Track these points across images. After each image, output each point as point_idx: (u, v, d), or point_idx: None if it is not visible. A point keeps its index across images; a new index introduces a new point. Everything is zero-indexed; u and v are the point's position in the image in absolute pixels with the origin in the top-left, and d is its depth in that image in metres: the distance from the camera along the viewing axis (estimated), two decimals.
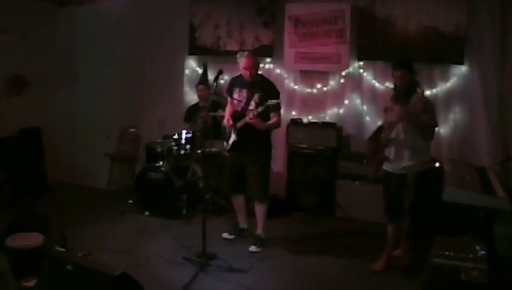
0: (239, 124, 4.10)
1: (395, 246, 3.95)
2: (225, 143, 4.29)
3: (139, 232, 4.59)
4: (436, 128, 3.81)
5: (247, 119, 3.99)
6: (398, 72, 3.68)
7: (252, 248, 4.20)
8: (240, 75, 4.23)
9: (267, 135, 4.23)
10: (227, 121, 4.23)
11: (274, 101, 3.93)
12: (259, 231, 4.32)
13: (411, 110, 3.47)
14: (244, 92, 4.16)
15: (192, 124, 5.32)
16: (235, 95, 4.23)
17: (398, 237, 3.94)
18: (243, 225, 4.52)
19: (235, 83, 4.27)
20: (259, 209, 4.29)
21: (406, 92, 3.62)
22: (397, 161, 3.73)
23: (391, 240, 3.86)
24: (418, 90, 3.50)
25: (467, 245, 2.98)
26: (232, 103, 4.34)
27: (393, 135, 3.71)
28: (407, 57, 4.74)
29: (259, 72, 4.23)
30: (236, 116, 4.16)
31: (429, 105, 3.69)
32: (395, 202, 3.77)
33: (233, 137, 4.16)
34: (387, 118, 3.81)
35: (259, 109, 3.95)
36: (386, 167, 3.82)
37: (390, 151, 3.76)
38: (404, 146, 3.69)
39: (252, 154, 4.14)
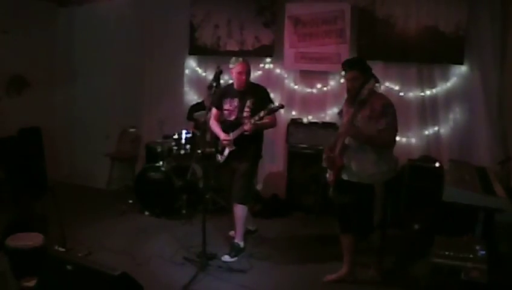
0: (234, 134, 3.99)
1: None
2: (219, 156, 4.18)
3: (139, 232, 4.59)
4: (397, 134, 3.41)
5: (245, 127, 3.87)
6: (349, 74, 3.39)
7: (225, 258, 3.97)
8: (229, 85, 4.21)
9: (259, 143, 4.17)
10: (225, 137, 4.04)
11: (275, 106, 3.87)
12: (237, 239, 4.13)
13: (353, 126, 3.26)
14: (236, 101, 4.04)
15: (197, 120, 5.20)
16: (226, 106, 4.10)
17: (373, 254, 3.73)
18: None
19: (225, 93, 4.14)
20: (238, 211, 4.06)
21: (359, 94, 3.31)
22: (361, 170, 3.35)
23: (350, 252, 3.58)
24: (370, 86, 3.24)
25: (467, 245, 2.98)
26: (217, 116, 4.21)
27: (348, 141, 3.37)
28: (409, 56, 4.78)
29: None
30: (230, 126, 4.07)
31: (389, 108, 3.31)
32: (366, 216, 3.40)
33: (229, 148, 4.06)
34: (342, 123, 3.51)
35: (261, 114, 3.82)
36: (349, 176, 3.41)
37: (350, 159, 3.39)
38: (367, 152, 3.32)
39: (242, 158, 4.05)
